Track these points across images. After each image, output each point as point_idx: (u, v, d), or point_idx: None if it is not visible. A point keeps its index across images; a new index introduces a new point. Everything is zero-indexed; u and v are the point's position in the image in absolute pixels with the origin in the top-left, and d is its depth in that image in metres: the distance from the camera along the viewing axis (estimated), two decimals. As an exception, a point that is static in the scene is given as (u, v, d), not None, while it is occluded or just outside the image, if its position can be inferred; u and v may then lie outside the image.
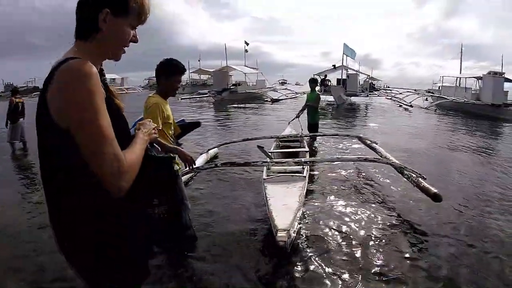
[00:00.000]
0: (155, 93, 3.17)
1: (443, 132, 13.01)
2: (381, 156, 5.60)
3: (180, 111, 18.58)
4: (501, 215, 4.31)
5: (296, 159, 4.73)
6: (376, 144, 6.50)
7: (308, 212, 4.15)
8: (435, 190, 3.90)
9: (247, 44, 39.34)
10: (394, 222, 4.06)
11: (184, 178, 4.89)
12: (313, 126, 7.79)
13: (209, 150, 6.83)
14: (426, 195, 4.02)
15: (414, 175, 4.34)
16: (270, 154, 5.27)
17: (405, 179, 4.59)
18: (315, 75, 30.02)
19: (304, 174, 4.17)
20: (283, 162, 4.60)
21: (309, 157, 5.44)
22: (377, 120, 16.68)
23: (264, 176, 4.17)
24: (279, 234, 2.76)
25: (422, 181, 4.20)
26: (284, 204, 3.27)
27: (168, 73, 3.08)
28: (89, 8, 1.14)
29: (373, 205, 4.52)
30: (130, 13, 1.18)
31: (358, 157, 4.71)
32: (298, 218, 3.30)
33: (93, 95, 1.01)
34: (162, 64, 3.09)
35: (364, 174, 5.97)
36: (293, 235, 3.04)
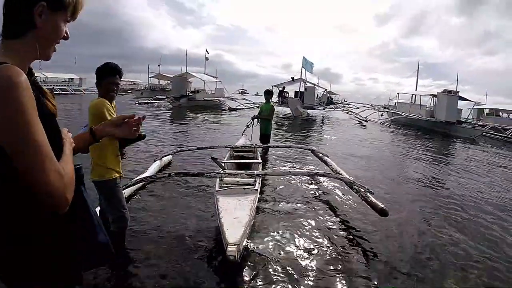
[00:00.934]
0: (97, 98, 3.11)
1: (395, 146, 13.74)
2: (332, 170, 5.81)
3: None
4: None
5: (249, 171, 4.79)
6: (328, 157, 6.71)
7: (258, 224, 4.18)
8: (382, 205, 4.10)
9: (208, 52, 39.42)
10: (340, 234, 4.20)
11: (134, 187, 4.82)
12: (265, 137, 7.88)
13: (163, 157, 6.75)
14: (373, 210, 4.20)
15: (362, 190, 4.53)
16: (223, 164, 5.33)
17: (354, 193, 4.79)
18: (273, 87, 30.54)
19: (256, 187, 4.23)
20: (236, 174, 4.65)
21: (262, 168, 5.54)
22: (332, 132, 17.20)
23: (217, 188, 4.18)
24: (229, 248, 2.79)
25: (370, 196, 4.39)
26: (235, 218, 3.31)
27: (101, 76, 3.05)
28: (21, 2, 1.02)
29: (322, 217, 4.65)
30: (66, 7, 1.09)
31: (309, 171, 4.89)
32: (248, 232, 3.34)
33: (24, 107, 0.91)
34: (97, 68, 3.07)
35: (315, 186, 6.11)
36: (242, 248, 3.09)
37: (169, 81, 42.93)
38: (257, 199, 3.97)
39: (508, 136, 20.45)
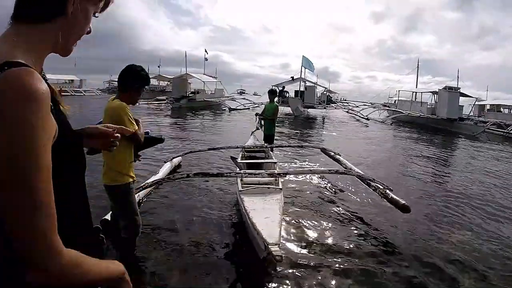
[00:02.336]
0: (116, 98, 2.94)
1: (399, 144, 13.81)
2: (346, 168, 5.80)
3: (138, 117, 18.07)
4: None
5: (269, 171, 4.69)
6: (340, 156, 6.68)
7: (286, 225, 4.17)
8: (403, 202, 4.08)
9: (207, 52, 39.36)
10: (363, 232, 4.20)
11: (147, 190, 4.70)
12: (268, 137, 7.65)
13: (173, 158, 6.68)
14: (394, 206, 4.18)
15: (381, 187, 4.50)
16: (242, 167, 5.26)
17: (371, 190, 4.77)
18: (273, 86, 30.50)
19: (280, 186, 4.14)
20: (257, 174, 4.50)
21: (277, 167, 5.47)
22: (334, 131, 17.20)
23: (240, 188, 4.07)
24: (273, 248, 2.65)
25: (390, 192, 4.36)
26: (267, 217, 3.19)
27: (132, 82, 2.91)
28: None
29: (344, 216, 4.66)
30: None
31: (330, 170, 4.77)
32: (282, 232, 3.28)
33: (36, 132, 0.66)
34: (126, 71, 2.90)
35: (330, 185, 6.14)
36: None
37: (168, 82, 42.87)
38: (283, 199, 3.88)
39: (510, 132, 20.38)
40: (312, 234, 4.04)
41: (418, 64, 36.14)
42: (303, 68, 27.45)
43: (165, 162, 6.47)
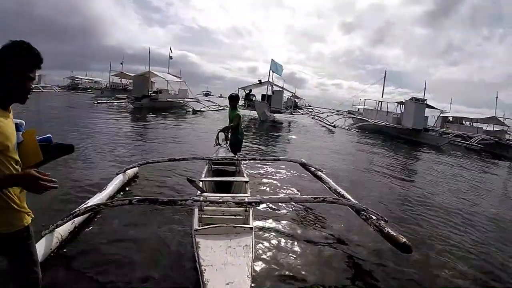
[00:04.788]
0: None
1: (367, 154, 13.48)
2: (330, 189, 5.03)
3: (95, 118, 16.81)
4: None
5: (238, 198, 3.59)
6: (321, 171, 5.91)
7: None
8: (404, 239, 3.29)
9: (171, 51, 38.01)
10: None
11: (82, 217, 3.71)
12: (235, 144, 6.70)
13: (127, 169, 5.67)
14: (391, 244, 3.39)
15: (374, 217, 3.72)
16: (201, 184, 4.31)
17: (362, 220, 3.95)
18: (239, 89, 29.76)
19: (250, 224, 3.19)
20: (221, 202, 3.39)
21: (249, 187, 4.51)
22: (303, 138, 16.65)
23: (195, 224, 3.09)
24: None
25: (385, 225, 3.58)
26: (228, 284, 2.24)
27: (13, 61, 1.65)
28: None
29: (344, 266, 3.67)
30: None
31: (315, 197, 3.76)
32: None
33: None
34: (14, 48, 1.66)
35: (312, 210, 5.19)
36: None
37: (131, 80, 41.27)
38: (254, 244, 2.90)
39: (473, 144, 20.80)
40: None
41: (385, 75, 36.49)
42: (271, 72, 26.77)
43: (117, 174, 5.47)
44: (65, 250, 3.28)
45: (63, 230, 3.36)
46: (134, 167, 5.90)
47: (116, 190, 5.00)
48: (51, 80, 57.27)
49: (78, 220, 3.61)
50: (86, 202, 3.98)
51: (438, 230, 5.03)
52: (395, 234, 3.42)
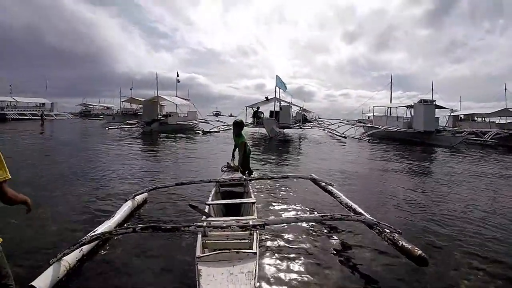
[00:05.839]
0: None
1: (379, 161, 13.29)
2: (341, 203, 5.02)
3: (106, 143, 17.11)
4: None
5: (242, 221, 3.56)
6: (332, 186, 5.89)
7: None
8: (419, 251, 3.25)
9: (178, 75, 38.70)
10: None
11: (89, 245, 3.78)
12: (242, 165, 6.79)
13: (135, 195, 5.76)
14: (407, 257, 3.36)
15: (388, 231, 3.68)
16: (207, 209, 4.30)
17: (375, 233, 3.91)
18: (247, 107, 29.99)
19: (254, 249, 3.05)
20: (225, 227, 3.36)
21: (256, 208, 4.48)
22: (313, 152, 16.56)
23: (198, 251, 3.02)
24: None
25: (399, 238, 3.54)
26: None
27: None
28: None
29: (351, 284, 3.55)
30: None
31: (322, 216, 3.66)
32: None
33: None
34: None
35: (322, 227, 5.05)
36: None
37: (141, 105, 42.03)
38: (258, 269, 2.77)
39: (488, 140, 20.51)
40: None
41: (391, 80, 36.38)
42: (277, 88, 26.98)
43: (126, 200, 5.56)
44: (72, 278, 3.33)
45: (71, 258, 3.42)
46: (143, 192, 5.97)
47: (125, 216, 5.06)
48: (63, 107, 58.70)
49: (85, 248, 3.67)
50: (94, 230, 4.07)
51: (458, 239, 4.86)
52: (410, 246, 3.39)
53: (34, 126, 31.26)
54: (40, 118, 42.50)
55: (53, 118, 46.82)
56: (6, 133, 22.07)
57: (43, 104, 53.60)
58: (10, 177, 2.06)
